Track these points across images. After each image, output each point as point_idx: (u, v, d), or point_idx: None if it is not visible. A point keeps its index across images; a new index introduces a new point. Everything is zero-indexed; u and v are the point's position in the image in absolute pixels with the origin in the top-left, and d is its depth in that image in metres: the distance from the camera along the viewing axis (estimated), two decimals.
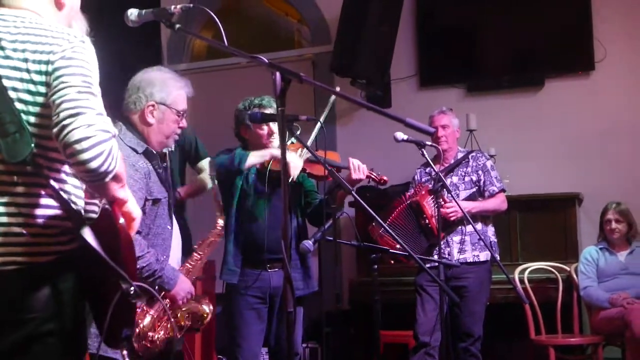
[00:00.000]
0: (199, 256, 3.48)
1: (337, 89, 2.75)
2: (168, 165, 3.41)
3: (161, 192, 3.21)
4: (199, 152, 5.01)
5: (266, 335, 3.99)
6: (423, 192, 4.69)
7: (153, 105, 3.18)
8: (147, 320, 3.10)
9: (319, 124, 3.64)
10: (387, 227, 3.05)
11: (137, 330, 3.06)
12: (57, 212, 2.05)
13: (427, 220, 4.64)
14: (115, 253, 2.02)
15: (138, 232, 3.04)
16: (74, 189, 2.12)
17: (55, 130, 1.93)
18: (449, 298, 3.82)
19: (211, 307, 3.39)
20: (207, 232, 3.64)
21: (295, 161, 3.74)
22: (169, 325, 3.19)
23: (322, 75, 6.71)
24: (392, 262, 3.53)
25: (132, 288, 1.99)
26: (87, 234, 2.00)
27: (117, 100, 3.83)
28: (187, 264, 3.45)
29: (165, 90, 3.20)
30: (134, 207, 2.17)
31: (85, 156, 1.89)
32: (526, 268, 5.58)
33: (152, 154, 3.21)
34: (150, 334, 3.10)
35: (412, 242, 4.62)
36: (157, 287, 3.13)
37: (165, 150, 3.34)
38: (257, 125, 3.86)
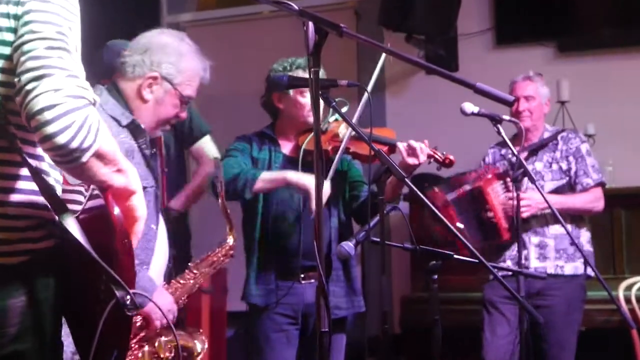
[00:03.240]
0: (192, 275, 3.45)
1: (388, 45, 2.75)
2: (158, 151, 3.42)
3: (146, 179, 3.15)
4: (192, 128, 4.71)
5: None
6: (489, 176, 4.64)
7: (155, 78, 3.16)
8: None
9: (365, 95, 3.63)
10: (452, 227, 3.06)
11: None
12: (33, 198, 2.07)
13: (490, 213, 4.61)
14: (107, 251, 2.02)
15: None
16: (53, 169, 2.14)
17: (17, 98, 1.95)
18: (532, 320, 3.81)
19: (205, 345, 3.39)
20: (212, 245, 3.62)
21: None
22: (140, 354, 3.17)
23: (367, 29, 6.70)
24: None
25: (128, 297, 1.99)
26: (71, 225, 1.99)
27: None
28: (176, 282, 3.42)
29: (178, 66, 3.19)
30: (140, 204, 2.16)
31: (50, 129, 1.90)
32: (634, 283, 5.54)
33: (139, 130, 3.17)
34: None
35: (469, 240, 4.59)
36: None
37: (161, 133, 3.37)
38: (298, 91, 3.87)
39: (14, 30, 2.04)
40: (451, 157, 3.95)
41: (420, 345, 5.69)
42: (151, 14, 7.10)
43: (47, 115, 1.90)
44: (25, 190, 2.07)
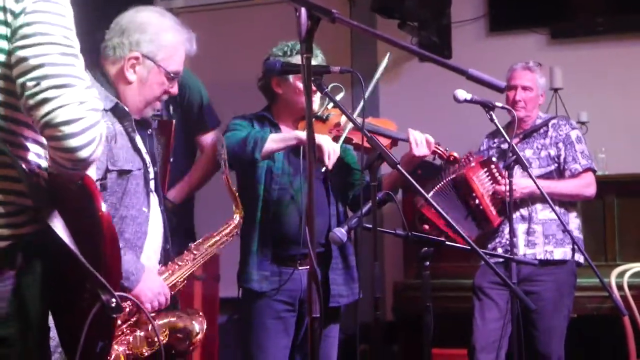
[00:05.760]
0: (191, 257, 3.39)
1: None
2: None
3: (132, 162, 3.13)
4: (203, 118, 4.53)
5: (291, 352, 4.00)
6: (473, 164, 4.65)
7: (137, 58, 3.11)
8: None
9: (362, 101, 3.60)
10: (431, 200, 3.07)
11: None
12: (13, 185, 2.08)
13: (477, 201, 4.61)
14: (93, 250, 2.04)
15: None
16: (37, 157, 2.15)
17: (30, 101, 1.96)
18: (522, 306, 3.82)
19: (204, 326, 3.35)
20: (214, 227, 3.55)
21: (329, 145, 3.68)
22: (131, 339, 3.13)
23: (361, 16, 6.69)
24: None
25: (113, 300, 2.02)
26: (58, 226, 2.03)
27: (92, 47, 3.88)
28: (173, 264, 3.35)
29: (158, 41, 3.13)
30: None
31: (73, 143, 1.95)
32: (626, 270, 5.55)
33: (124, 112, 3.12)
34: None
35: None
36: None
37: (152, 112, 3.30)
38: (298, 77, 3.81)
39: (7, 24, 2.03)
40: (455, 154, 3.97)
41: (412, 331, 5.71)
42: (144, 0, 7.10)
43: (73, 128, 1.94)
44: (5, 176, 2.08)
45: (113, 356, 3.02)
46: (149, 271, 3.15)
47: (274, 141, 3.76)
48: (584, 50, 6.53)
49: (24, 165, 2.08)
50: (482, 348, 4.67)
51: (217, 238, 3.46)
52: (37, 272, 2.11)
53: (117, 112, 3.10)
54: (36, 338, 2.14)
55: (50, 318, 2.23)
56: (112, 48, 3.12)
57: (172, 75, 3.17)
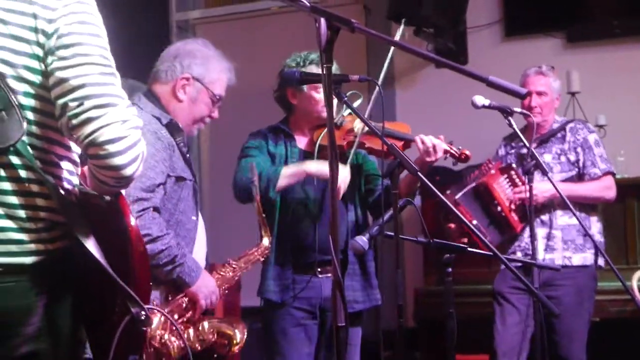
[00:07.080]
0: (232, 268, 3.59)
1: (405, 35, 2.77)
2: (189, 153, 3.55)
3: (185, 172, 3.39)
4: None
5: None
6: (493, 172, 4.63)
7: (188, 79, 3.43)
8: (156, 320, 3.16)
9: (377, 89, 3.65)
10: (456, 211, 3.07)
11: None
12: (44, 201, 2.10)
13: (499, 208, 4.60)
14: (123, 264, 2.06)
15: (157, 211, 3.21)
16: (69, 175, 2.17)
17: (74, 121, 2.00)
18: (545, 310, 3.81)
19: (244, 335, 3.51)
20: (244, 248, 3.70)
21: (340, 178, 3.65)
22: (186, 334, 3.32)
23: (376, 24, 6.71)
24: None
25: (143, 313, 2.04)
26: (89, 242, 2.04)
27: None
28: (216, 273, 3.54)
29: (206, 66, 3.47)
30: None
31: (118, 161, 2.00)
32: None
33: (177, 128, 3.40)
34: (159, 332, 3.18)
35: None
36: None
37: (196, 132, 3.63)
38: (312, 86, 3.88)
39: (40, 45, 2.06)
40: (467, 152, 3.95)
41: (434, 338, 5.71)
42: (160, 12, 7.13)
43: (117, 146, 2.00)
44: (37, 193, 2.10)
45: (170, 343, 3.22)
46: (204, 272, 3.42)
47: (286, 177, 3.84)
48: (601, 53, 6.52)
49: (56, 182, 2.10)
50: (504, 353, 4.66)
51: (252, 257, 3.66)
52: (68, 287, 2.13)
53: (171, 127, 3.37)
54: (67, 353, 2.15)
55: None
56: (164, 72, 3.45)
57: (217, 97, 3.48)
